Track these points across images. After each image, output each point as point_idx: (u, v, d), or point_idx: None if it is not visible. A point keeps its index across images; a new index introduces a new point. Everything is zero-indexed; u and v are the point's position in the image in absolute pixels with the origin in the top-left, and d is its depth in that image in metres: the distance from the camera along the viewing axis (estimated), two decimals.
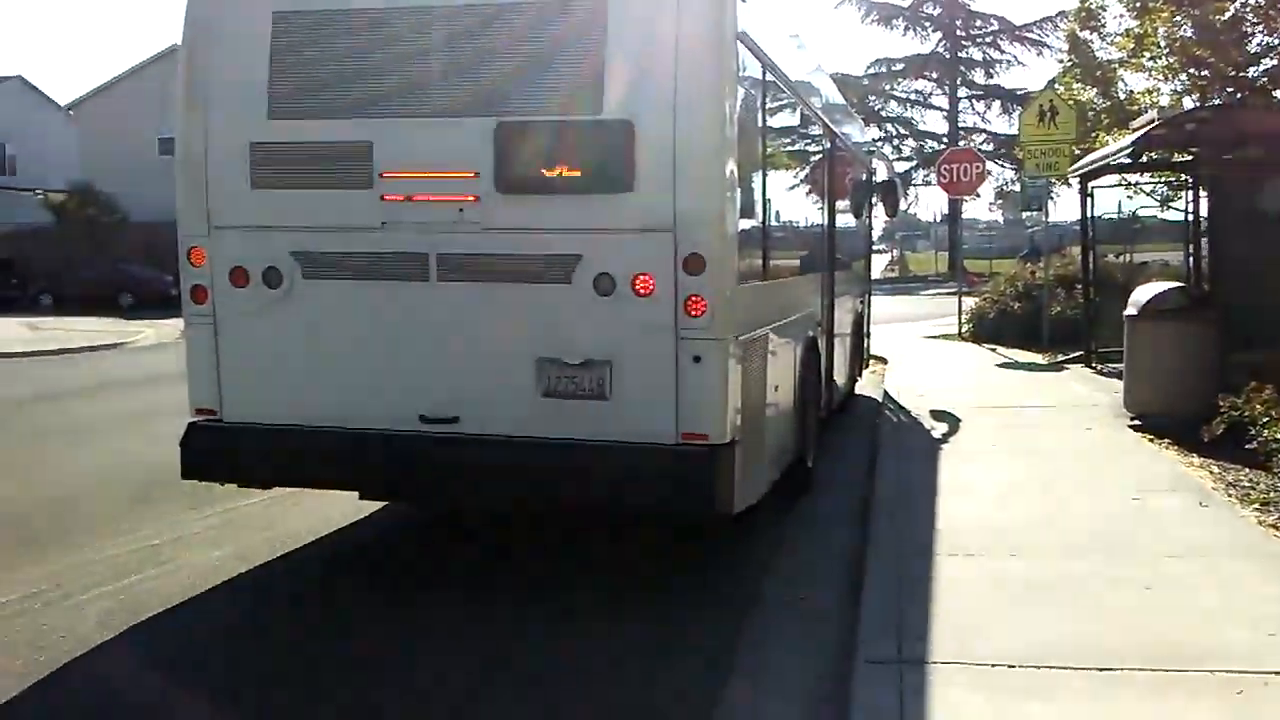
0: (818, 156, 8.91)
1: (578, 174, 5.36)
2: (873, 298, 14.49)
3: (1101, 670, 4.14)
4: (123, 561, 6.21)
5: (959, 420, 9.99)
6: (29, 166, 49.56)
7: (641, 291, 5.24)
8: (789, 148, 7.69)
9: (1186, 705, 3.86)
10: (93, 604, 5.46)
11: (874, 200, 12.87)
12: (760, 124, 6.46)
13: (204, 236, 5.80)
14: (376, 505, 7.27)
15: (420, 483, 5.75)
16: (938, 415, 10.26)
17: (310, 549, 6.54)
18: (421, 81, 5.51)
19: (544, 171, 5.39)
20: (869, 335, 13.54)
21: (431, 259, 5.49)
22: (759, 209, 6.34)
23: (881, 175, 13.77)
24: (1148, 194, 15.61)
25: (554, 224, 5.38)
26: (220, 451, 5.88)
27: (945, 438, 9.17)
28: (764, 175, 6.50)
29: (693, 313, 5.19)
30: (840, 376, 10.23)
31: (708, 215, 5.23)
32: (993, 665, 4.22)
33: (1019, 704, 3.89)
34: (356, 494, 6.61)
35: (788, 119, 7.54)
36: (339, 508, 7.25)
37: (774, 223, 6.76)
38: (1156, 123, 10.12)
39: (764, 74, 6.41)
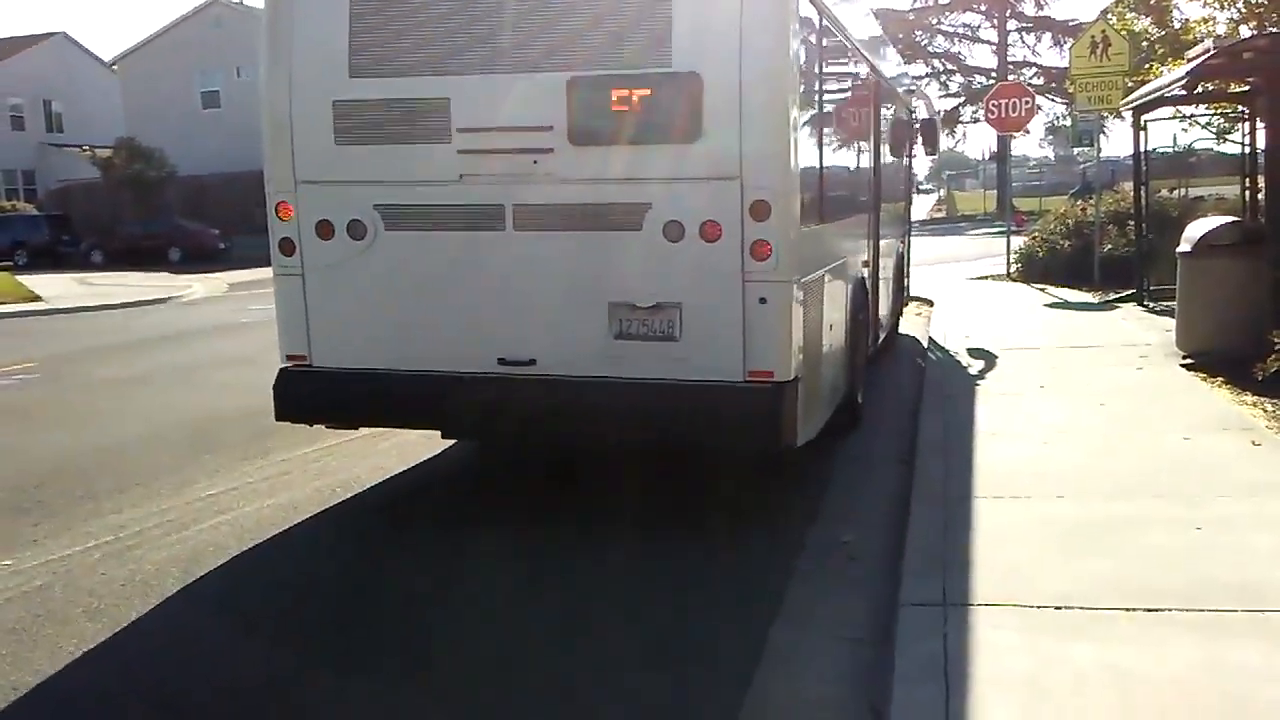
0: (864, 98, 8.84)
1: (648, 126, 5.51)
2: (916, 239, 14.35)
3: (1149, 611, 4.11)
4: (180, 513, 6.35)
5: (1005, 361, 9.88)
6: (75, 123, 50.16)
7: (709, 237, 5.45)
8: (840, 93, 7.69)
9: (1235, 645, 3.81)
10: (152, 554, 5.60)
11: (915, 140, 12.70)
12: (817, 72, 6.49)
13: (291, 191, 6.06)
14: (424, 455, 7.39)
15: (499, 422, 6.01)
16: (982, 355, 10.17)
17: (364, 496, 6.67)
18: (496, 39, 5.65)
19: (616, 124, 5.56)
20: (909, 275, 13.64)
21: (508, 209, 5.71)
22: (816, 155, 6.42)
23: (922, 114, 13.66)
24: (1203, 126, 15.19)
25: (625, 174, 5.57)
26: (311, 395, 6.17)
27: (990, 378, 9.06)
28: (820, 121, 6.57)
29: (758, 256, 5.41)
30: (885, 315, 10.41)
31: (772, 163, 5.43)
32: (1038, 607, 4.21)
33: (1064, 645, 3.87)
34: (419, 435, 7.12)
35: (838, 64, 7.50)
36: (391, 456, 7.38)
37: (828, 167, 6.82)
38: (1212, 52, 9.80)
39: (819, 20, 6.45)
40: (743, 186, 5.38)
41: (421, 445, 7.58)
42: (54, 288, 24.72)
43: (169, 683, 4.18)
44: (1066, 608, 4.19)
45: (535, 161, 5.61)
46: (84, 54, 53.65)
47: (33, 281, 24.84)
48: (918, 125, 12.88)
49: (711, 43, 5.37)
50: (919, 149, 13.13)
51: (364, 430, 7.49)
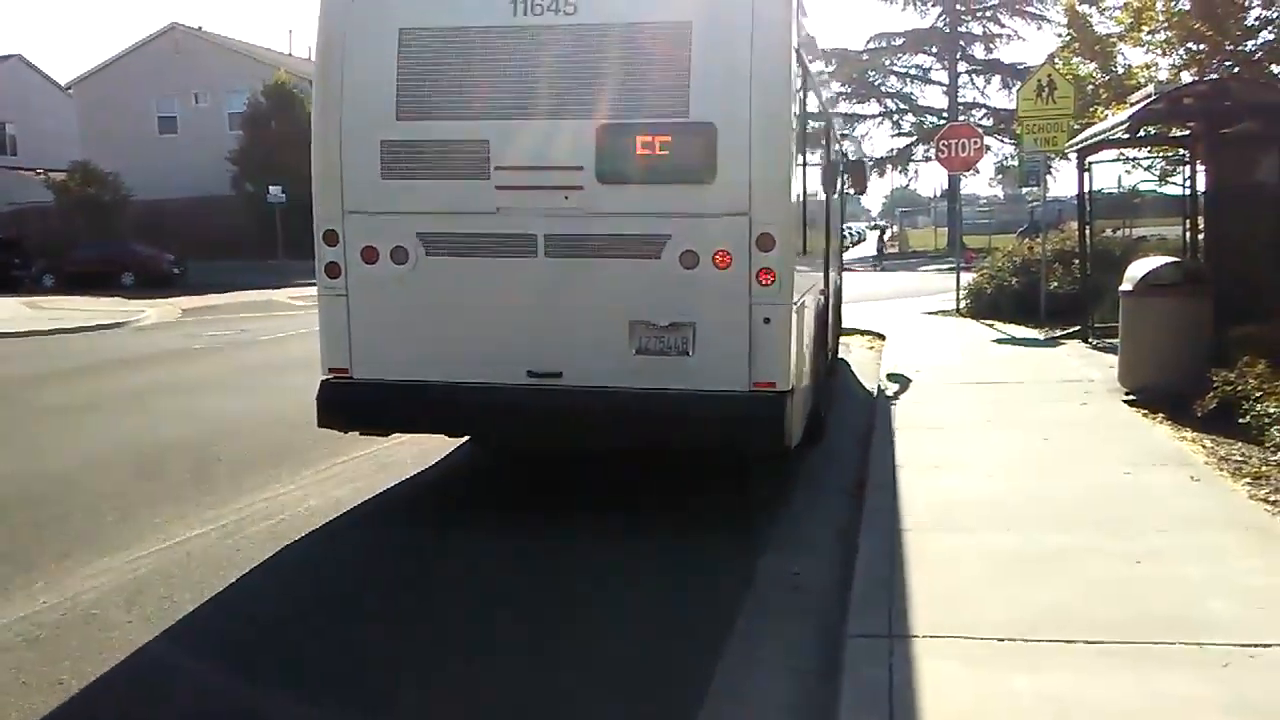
0: (824, 144, 9.52)
1: (668, 168, 6.25)
2: (870, 274, 14.64)
3: (1089, 643, 4.19)
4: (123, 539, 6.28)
5: (953, 395, 10.04)
6: (30, 146, 49.50)
7: (720, 265, 6.20)
8: (813, 140, 8.39)
9: (1172, 677, 3.90)
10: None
11: (845, 179, 13.10)
12: (804, 122, 7.26)
13: (338, 220, 6.67)
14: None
15: (528, 429, 6.67)
16: (930, 389, 10.31)
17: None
18: (531, 88, 6.34)
19: (639, 166, 6.28)
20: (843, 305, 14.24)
21: (540, 239, 6.38)
22: (801, 195, 7.17)
23: (853, 155, 14.32)
24: (1146, 169, 15.60)
25: (647, 209, 6.30)
26: (351, 404, 6.76)
27: (938, 411, 9.19)
28: (803, 166, 7.27)
29: (764, 282, 6.18)
30: (832, 340, 11.23)
31: (776, 202, 6.24)
32: (981, 638, 4.27)
33: (1006, 676, 3.94)
34: (464, 439, 7.80)
35: (813, 116, 8.23)
36: (345, 487, 7.36)
37: (808, 206, 7.60)
38: (1153, 97, 10.13)
39: (804, 79, 7.22)
40: (751, 221, 6.13)
41: (374, 477, 7.56)
42: (3, 311, 24.31)
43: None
44: (1009, 639, 4.26)
45: (566, 197, 6.30)
46: (39, 77, 53.09)
47: None
48: (849, 165, 13.50)
49: (724, 97, 6.09)
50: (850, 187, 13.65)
51: (302, 473, 7.45)
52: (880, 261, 42.26)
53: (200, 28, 51.07)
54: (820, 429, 8.06)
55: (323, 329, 6.86)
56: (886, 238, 56.21)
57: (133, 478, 7.94)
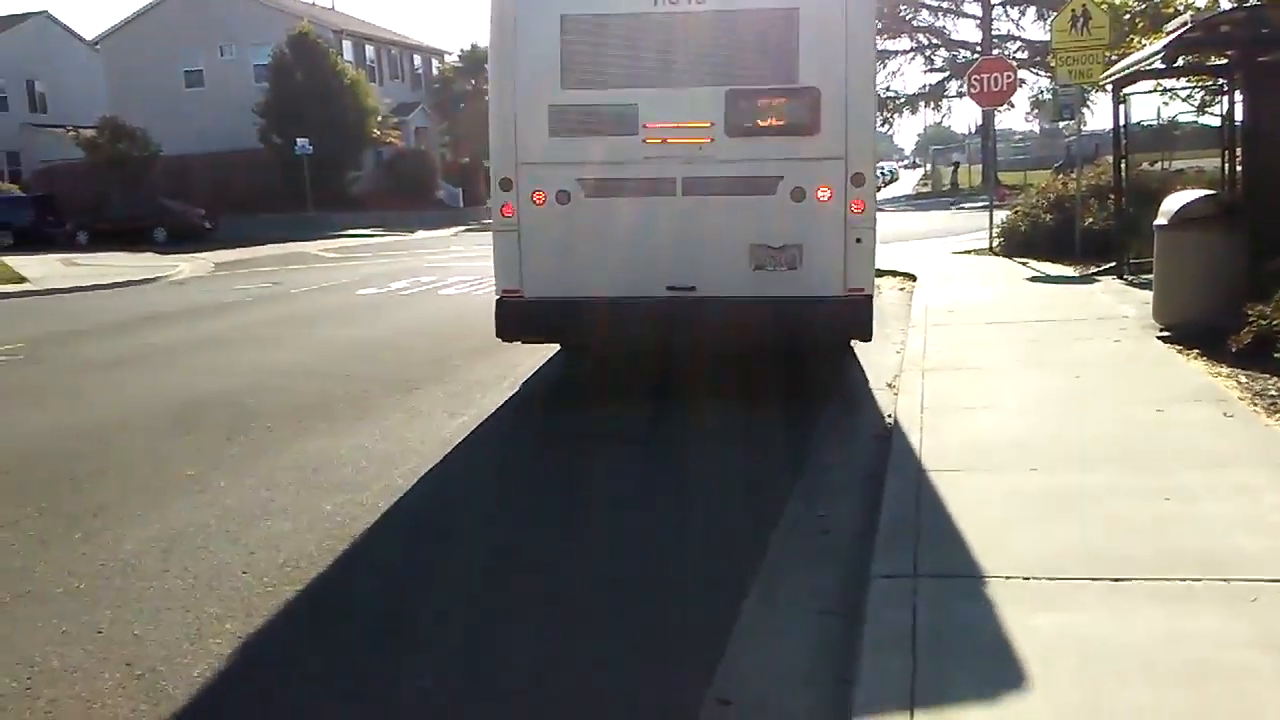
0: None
1: (781, 123, 7.92)
2: (902, 213, 14.38)
3: (1115, 580, 4.18)
4: (158, 493, 6.40)
5: (984, 334, 9.96)
6: (59, 103, 49.84)
7: (823, 198, 7.87)
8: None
9: (1198, 612, 3.89)
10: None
11: None
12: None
13: (512, 170, 8.10)
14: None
15: (669, 332, 8.14)
16: (959, 330, 10.22)
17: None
18: (671, 61, 7.94)
19: (758, 122, 7.92)
20: None
21: (678, 181, 7.97)
22: (876, 143, 8.94)
23: None
24: (1184, 100, 15.21)
25: (764, 155, 7.92)
26: (523, 317, 8.28)
27: (969, 351, 9.11)
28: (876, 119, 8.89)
29: (856, 210, 7.86)
30: None
31: (866, 148, 8.00)
32: (1006, 578, 4.27)
33: (1028, 615, 3.93)
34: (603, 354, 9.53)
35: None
36: (378, 439, 7.48)
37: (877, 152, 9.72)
38: (1189, 25, 9.83)
39: (875, 49, 8.56)
40: (847, 164, 7.82)
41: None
42: (40, 269, 24.65)
43: None
44: (1034, 578, 4.26)
45: (700, 148, 7.89)
46: (66, 33, 53.23)
47: (18, 263, 24.77)
48: None
49: (825, 67, 7.72)
50: None
51: (335, 426, 7.51)
52: (957, 202, 41.50)
53: None
54: (870, 332, 8.76)
55: (497, 258, 8.30)
56: (958, 173, 55.37)
57: (169, 432, 8.06)
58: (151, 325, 14.78)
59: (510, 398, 8.85)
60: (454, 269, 21.69)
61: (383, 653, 4.23)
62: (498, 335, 8.42)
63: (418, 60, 57.83)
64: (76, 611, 4.66)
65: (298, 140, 39.59)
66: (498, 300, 8.32)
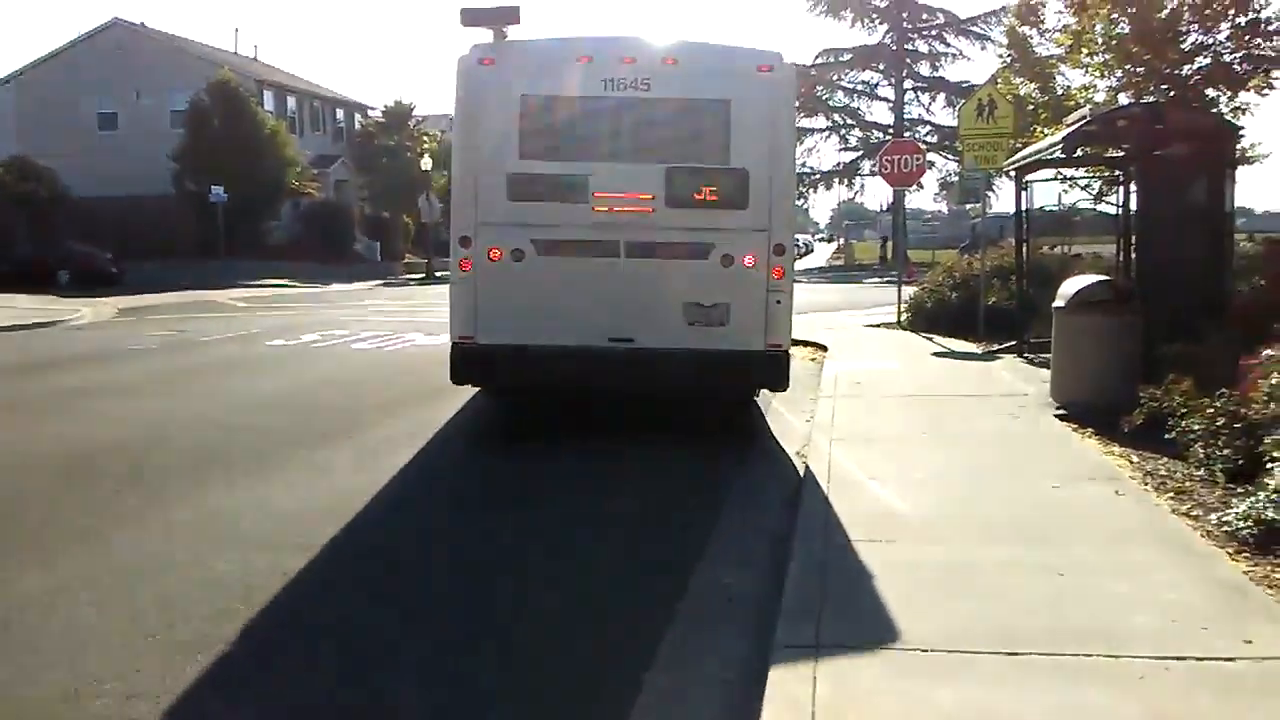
0: None
1: (714, 198, 8.90)
2: (814, 284, 14.63)
3: (1011, 655, 4.24)
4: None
5: (890, 406, 10.17)
6: None
7: (748, 264, 8.87)
8: None
9: (1090, 690, 3.96)
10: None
11: None
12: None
13: (472, 229, 8.91)
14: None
15: (608, 378, 9.01)
16: (866, 401, 10.41)
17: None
18: (618, 140, 8.97)
19: (694, 196, 8.89)
20: None
21: (622, 244, 8.90)
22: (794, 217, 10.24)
23: None
24: (1082, 188, 15.89)
25: (699, 225, 8.91)
26: (475, 361, 9.05)
27: (874, 423, 9.28)
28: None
29: (776, 276, 8.90)
30: None
31: (786, 222, 9.10)
32: (906, 649, 4.32)
33: (928, 688, 3.98)
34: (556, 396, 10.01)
35: None
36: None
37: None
38: (1088, 119, 10.33)
39: (795, 137, 9.91)
40: (770, 235, 8.87)
41: None
42: None
43: None
44: (933, 650, 4.31)
45: (643, 216, 8.84)
46: None
47: None
48: None
49: (753, 150, 8.78)
50: None
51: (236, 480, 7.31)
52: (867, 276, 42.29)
53: (142, 23, 50.29)
54: (787, 383, 9.60)
55: (454, 307, 9.09)
56: (886, 247, 56.24)
57: (61, 482, 7.76)
58: (46, 371, 14.28)
59: (417, 455, 8.74)
60: (368, 323, 21.46)
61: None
62: (451, 378, 9.21)
63: (340, 114, 57.59)
64: None
65: (212, 188, 38.95)
66: (453, 345, 9.06)
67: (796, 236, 64.20)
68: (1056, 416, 9.21)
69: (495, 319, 8.92)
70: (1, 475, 7.94)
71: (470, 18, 8.87)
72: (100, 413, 10.78)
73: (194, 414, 10.72)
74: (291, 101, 52.14)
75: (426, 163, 45.50)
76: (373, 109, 57.13)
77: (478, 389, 10.63)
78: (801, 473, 7.78)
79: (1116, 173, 13.29)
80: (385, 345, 17.19)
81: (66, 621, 4.98)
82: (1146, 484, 6.95)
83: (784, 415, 10.45)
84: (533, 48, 9.23)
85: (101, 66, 46.50)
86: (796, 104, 10.08)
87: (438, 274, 43.72)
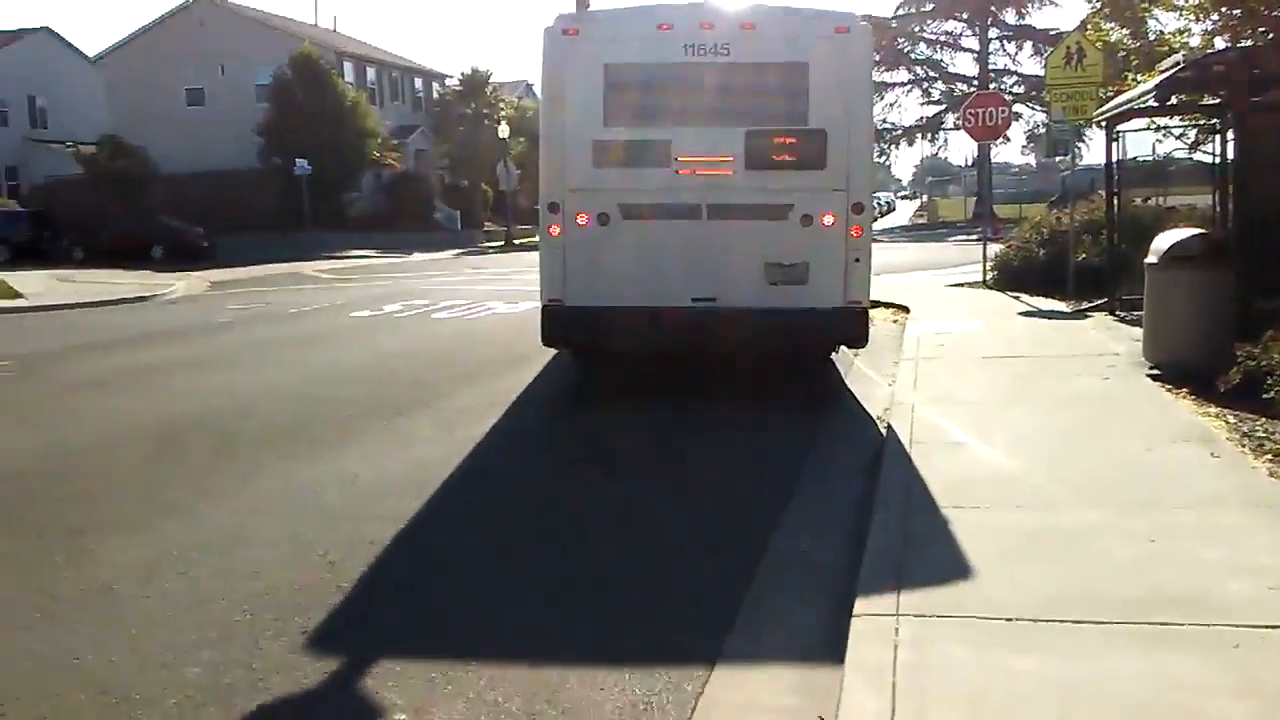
0: None
1: (793, 159, 9.07)
2: (896, 244, 14.40)
3: (1097, 624, 4.15)
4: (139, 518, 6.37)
5: (975, 369, 9.98)
6: (59, 119, 49.86)
7: (827, 223, 9.03)
8: None
9: (1181, 660, 3.86)
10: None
11: None
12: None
13: (560, 195, 9.15)
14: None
15: (692, 337, 9.21)
16: (950, 364, 10.23)
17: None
18: (699, 104, 9.18)
19: (773, 157, 9.06)
20: None
21: (704, 206, 9.08)
22: (873, 176, 10.41)
23: None
24: (1177, 137, 15.31)
25: (778, 186, 9.05)
26: (563, 322, 9.33)
27: (958, 387, 9.12)
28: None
29: (855, 234, 9.05)
30: None
31: (864, 182, 9.26)
32: (988, 618, 4.24)
33: (1011, 658, 3.91)
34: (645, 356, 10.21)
35: None
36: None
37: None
38: (1181, 65, 9.92)
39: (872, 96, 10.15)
40: (848, 195, 9.00)
41: None
42: (35, 285, 24.61)
43: None
44: (1016, 619, 4.23)
45: (723, 178, 9.05)
46: (68, 49, 53.32)
47: (14, 278, 24.68)
48: None
49: (831, 111, 8.92)
50: None
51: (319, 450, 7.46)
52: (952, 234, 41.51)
53: (225, 0, 51.16)
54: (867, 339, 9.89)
55: (543, 271, 9.32)
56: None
57: (155, 453, 8.03)
58: (143, 344, 14.75)
59: (497, 423, 8.84)
60: (449, 291, 21.70)
61: (362, 675, 4.19)
62: (542, 339, 9.53)
63: (418, 83, 58.08)
64: (54, 637, 4.62)
65: (297, 160, 39.67)
66: (543, 308, 9.35)
67: (878, 194, 63.28)
68: (1149, 376, 8.94)
69: (583, 282, 9.15)
70: (100, 448, 8.23)
71: None
72: (192, 386, 11.10)
73: (281, 386, 10.98)
74: (371, 72, 52.73)
75: (504, 130, 45.64)
76: (450, 77, 57.54)
77: (557, 355, 10.73)
78: (883, 436, 7.68)
79: (1213, 121, 12.76)
80: (466, 314, 17.38)
81: (162, 592, 5.16)
82: (1243, 446, 6.71)
83: (865, 378, 10.34)
84: (614, 17, 9.57)
85: (186, 43, 47.52)
86: (876, 58, 11.24)
87: (517, 241, 44.05)
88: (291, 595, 5.06)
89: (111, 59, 50.10)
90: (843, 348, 10.72)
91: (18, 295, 22.01)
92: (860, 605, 4.47)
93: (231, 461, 7.70)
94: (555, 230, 9.18)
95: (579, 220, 9.12)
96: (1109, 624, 4.15)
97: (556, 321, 9.31)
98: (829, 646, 4.33)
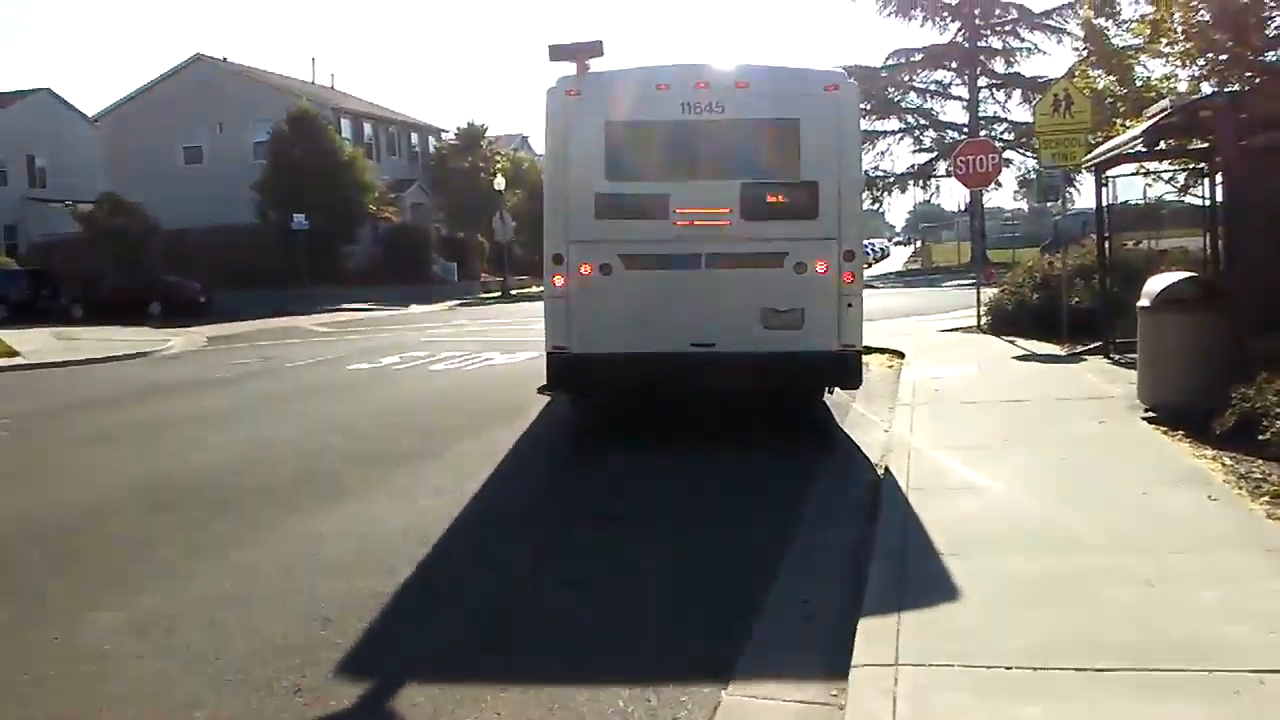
0: None
1: (786, 209, 9.48)
2: (889, 290, 14.45)
3: (1099, 670, 4.12)
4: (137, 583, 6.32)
5: (970, 414, 9.98)
6: (58, 177, 50.27)
7: (820, 270, 9.38)
8: None
9: (1181, 705, 3.84)
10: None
11: None
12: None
13: (563, 247, 9.50)
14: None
15: (691, 381, 9.67)
16: (946, 408, 10.23)
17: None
18: (696, 159, 9.62)
19: (768, 208, 9.46)
20: None
21: (702, 256, 9.43)
22: (863, 226, 10.78)
23: None
24: (1166, 181, 15.40)
25: (773, 236, 9.43)
26: (569, 369, 9.68)
27: (955, 431, 9.11)
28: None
29: (847, 280, 9.39)
30: None
31: (855, 230, 9.59)
32: (988, 667, 4.22)
33: (1012, 706, 3.88)
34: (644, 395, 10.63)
35: None
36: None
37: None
38: (1168, 111, 10.03)
39: (860, 150, 10.38)
40: (840, 243, 9.35)
41: None
42: (33, 342, 24.63)
43: None
44: (1017, 668, 4.20)
45: (721, 229, 9.39)
46: (67, 109, 53.90)
47: (12, 336, 24.71)
48: None
49: (822, 164, 9.30)
50: None
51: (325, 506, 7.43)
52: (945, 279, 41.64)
53: (224, 58, 51.79)
54: (860, 379, 10.20)
55: (548, 319, 9.70)
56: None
57: (150, 511, 8.00)
58: (140, 401, 14.74)
59: (496, 472, 8.84)
60: (446, 344, 21.73)
61: None
62: (548, 385, 10.24)
63: (414, 137, 58.61)
64: (42, 699, 4.58)
65: (294, 216, 39.91)
66: (548, 354, 9.74)
67: (872, 241, 63.52)
68: (1144, 419, 8.94)
69: (586, 329, 9.49)
70: (97, 506, 8.20)
71: (557, 53, 9.54)
72: (189, 441, 11.09)
73: (279, 440, 10.97)
74: (368, 128, 53.22)
75: (499, 182, 46.01)
76: (446, 131, 58.10)
77: (553, 404, 10.75)
78: (881, 482, 7.66)
79: (1201, 165, 12.86)
80: (464, 365, 17.40)
81: (156, 652, 5.12)
82: (1240, 488, 6.70)
83: (862, 424, 10.34)
84: (614, 78, 9.77)
85: (186, 102, 48.04)
86: (867, 107, 12.06)
87: (513, 292, 44.20)
88: (286, 653, 5.01)
89: (110, 118, 50.62)
90: (840, 392, 10.85)
91: (15, 353, 22.02)
92: (859, 655, 4.45)
93: (228, 517, 7.66)
94: (559, 280, 9.51)
95: (582, 270, 9.46)
96: (1110, 671, 4.12)
97: (562, 368, 9.67)
98: (829, 697, 4.30)
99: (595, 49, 9.56)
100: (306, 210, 40.14)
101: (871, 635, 4.64)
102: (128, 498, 8.48)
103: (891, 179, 52.18)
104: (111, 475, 9.44)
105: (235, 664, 4.89)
